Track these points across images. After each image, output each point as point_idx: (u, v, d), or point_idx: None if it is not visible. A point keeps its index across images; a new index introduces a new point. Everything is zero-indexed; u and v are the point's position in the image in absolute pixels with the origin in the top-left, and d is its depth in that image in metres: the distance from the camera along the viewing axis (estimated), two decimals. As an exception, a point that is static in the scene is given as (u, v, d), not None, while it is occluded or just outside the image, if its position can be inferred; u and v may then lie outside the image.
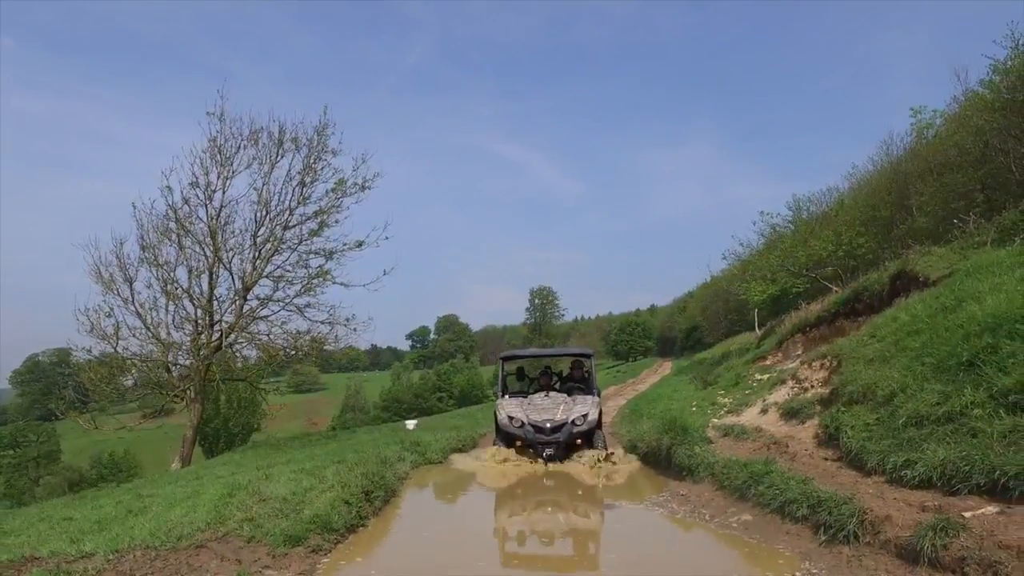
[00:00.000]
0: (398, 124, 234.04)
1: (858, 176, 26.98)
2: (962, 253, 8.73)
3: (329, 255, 15.79)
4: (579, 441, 9.12)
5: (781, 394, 9.22)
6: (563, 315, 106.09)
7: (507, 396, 10.38)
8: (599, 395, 10.72)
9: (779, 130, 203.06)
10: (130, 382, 16.17)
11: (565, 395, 9.93)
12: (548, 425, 9.01)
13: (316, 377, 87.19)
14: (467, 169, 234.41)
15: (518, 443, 9.21)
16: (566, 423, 9.03)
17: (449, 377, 74.03)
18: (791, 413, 7.85)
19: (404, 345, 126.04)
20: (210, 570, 3.78)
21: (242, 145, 14.82)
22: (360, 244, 15.49)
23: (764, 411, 8.96)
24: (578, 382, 10.74)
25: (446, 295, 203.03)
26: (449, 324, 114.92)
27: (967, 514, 3.62)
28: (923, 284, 8.42)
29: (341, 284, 15.47)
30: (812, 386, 8.19)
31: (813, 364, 8.89)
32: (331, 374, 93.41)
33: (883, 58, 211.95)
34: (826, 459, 5.83)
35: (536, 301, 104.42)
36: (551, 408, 9.35)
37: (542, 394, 10.00)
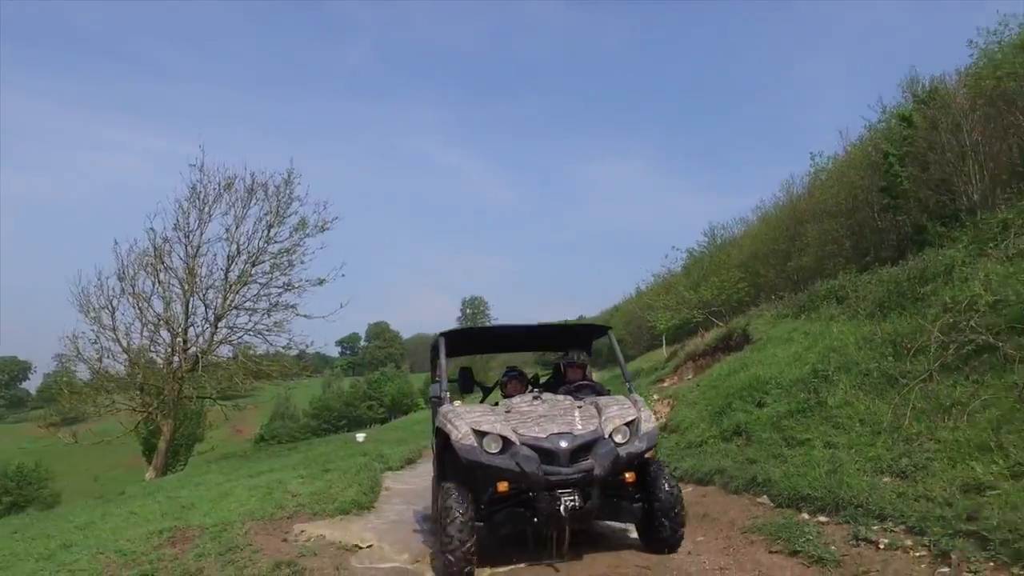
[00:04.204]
0: (333, 126, 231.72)
1: (764, 210, 31.04)
2: (773, 322, 12.39)
3: (290, 287, 18.20)
4: (629, 478, 4.74)
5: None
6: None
7: (458, 402, 5.47)
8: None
9: (714, 148, 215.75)
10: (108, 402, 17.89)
11: (569, 396, 5.27)
12: (564, 444, 4.44)
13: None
14: (402, 174, 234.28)
15: (497, 492, 4.48)
16: (601, 438, 4.55)
17: (380, 385, 75.42)
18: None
19: (334, 351, 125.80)
20: (306, 529, 6.48)
21: (219, 193, 17.07)
22: (321, 281, 18.01)
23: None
24: (578, 389, 5.71)
25: (377, 301, 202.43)
26: (380, 331, 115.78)
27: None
28: (751, 340, 12.02)
29: (304, 316, 17.90)
30: (659, 417, 11.57)
31: (662, 400, 12.25)
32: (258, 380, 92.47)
33: (809, 84, 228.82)
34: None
35: (467, 310, 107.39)
36: (560, 414, 4.77)
37: (527, 396, 5.21)
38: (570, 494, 4.31)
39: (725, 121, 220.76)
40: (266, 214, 17.56)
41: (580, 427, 4.59)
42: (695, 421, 8.83)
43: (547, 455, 4.38)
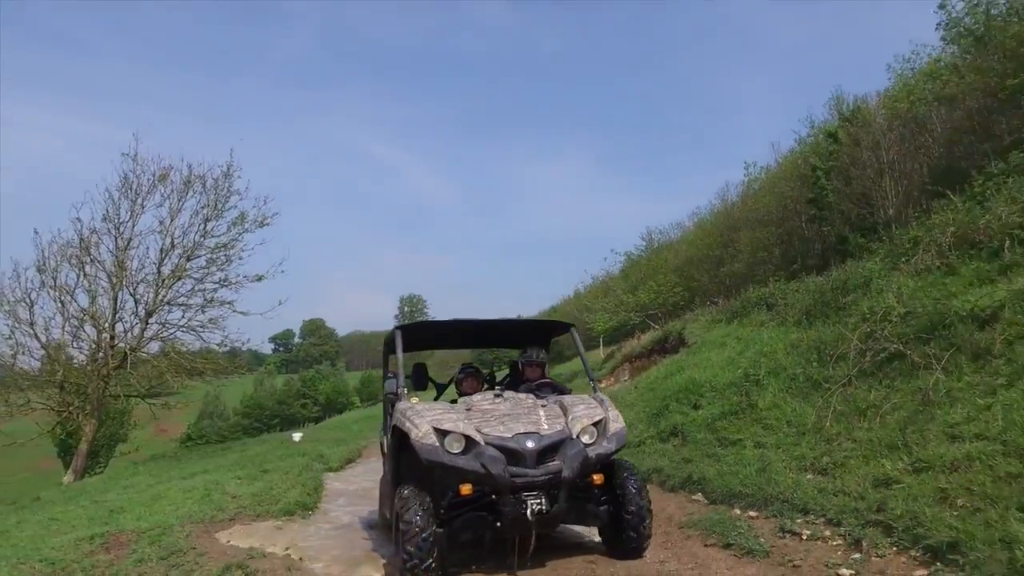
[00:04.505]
0: (269, 115, 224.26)
1: (700, 217, 32.14)
2: (707, 327, 13.01)
3: (226, 283, 17.63)
4: (597, 480, 4.60)
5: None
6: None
7: (415, 399, 5.06)
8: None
9: (651, 152, 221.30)
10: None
11: (531, 395, 5.12)
12: (531, 445, 4.27)
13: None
14: (340, 168, 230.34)
15: (458, 495, 4.27)
16: (568, 439, 4.40)
17: (315, 384, 73.77)
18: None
19: (266, 348, 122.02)
20: (247, 529, 6.37)
21: (154, 184, 16.36)
22: (260, 278, 17.50)
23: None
24: (538, 387, 5.54)
25: (312, 298, 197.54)
26: (315, 328, 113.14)
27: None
28: (687, 344, 12.57)
29: (241, 313, 17.38)
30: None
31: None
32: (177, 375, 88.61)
33: (740, 94, 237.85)
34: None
35: (406, 308, 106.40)
36: (524, 413, 4.62)
37: (488, 394, 5.09)
38: (536, 497, 4.13)
39: (663, 127, 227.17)
40: (203, 207, 16.94)
41: (546, 427, 4.43)
42: (633, 422, 9.17)
43: (512, 456, 4.19)
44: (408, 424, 4.43)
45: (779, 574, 4.01)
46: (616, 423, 4.68)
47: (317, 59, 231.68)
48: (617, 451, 4.59)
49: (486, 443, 4.23)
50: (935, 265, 7.51)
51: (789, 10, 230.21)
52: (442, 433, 4.26)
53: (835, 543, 4.20)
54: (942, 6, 13.94)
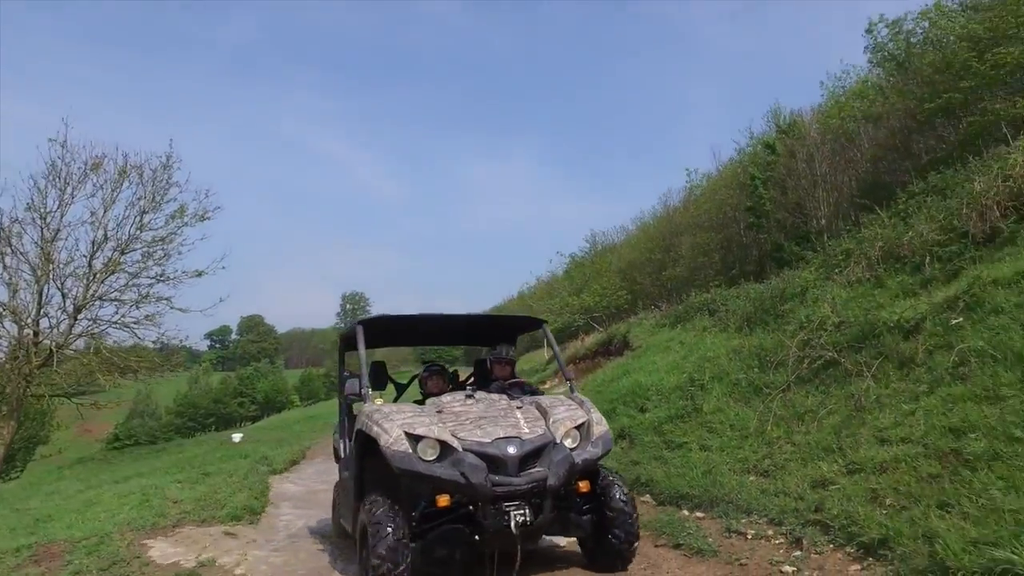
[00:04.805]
0: (209, 105, 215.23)
1: (643, 221, 32.81)
2: (652, 331, 13.42)
3: (164, 278, 16.93)
4: (582, 488, 4.32)
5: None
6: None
7: (379, 400, 4.66)
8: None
9: (597, 155, 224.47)
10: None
11: (504, 396, 4.81)
12: (512, 450, 3.97)
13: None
14: (281, 161, 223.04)
15: (433, 506, 3.96)
16: (552, 443, 4.13)
17: (253, 382, 71.50)
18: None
19: (202, 345, 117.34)
20: (193, 536, 6.16)
21: (85, 173, 15.52)
22: (200, 273, 16.88)
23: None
24: (509, 388, 5.26)
25: (250, 293, 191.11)
26: (253, 324, 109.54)
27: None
28: (632, 347, 12.91)
29: (180, 310, 16.71)
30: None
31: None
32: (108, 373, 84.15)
33: (686, 102, 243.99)
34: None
35: (348, 306, 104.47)
36: (501, 415, 4.31)
37: (458, 395, 4.73)
38: (519, 507, 3.83)
39: (610, 131, 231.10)
40: (140, 199, 16.17)
41: (527, 431, 4.10)
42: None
43: (492, 463, 3.85)
44: (376, 429, 4.05)
45: (727, 572, 4.24)
46: (600, 426, 4.42)
47: (261, 49, 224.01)
48: (603, 456, 4.32)
49: (464, 449, 3.89)
50: (865, 277, 8.03)
51: (734, 23, 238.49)
52: (415, 438, 3.91)
53: (777, 542, 4.47)
54: (869, 31, 14.91)
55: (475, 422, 4.16)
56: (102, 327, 16.50)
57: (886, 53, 14.74)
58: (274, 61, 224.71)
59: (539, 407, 4.49)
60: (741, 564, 4.28)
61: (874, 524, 3.99)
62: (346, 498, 5.14)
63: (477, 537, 3.91)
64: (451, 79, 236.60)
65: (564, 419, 4.31)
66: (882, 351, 6.17)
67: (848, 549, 4.04)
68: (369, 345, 5.17)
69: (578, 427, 4.30)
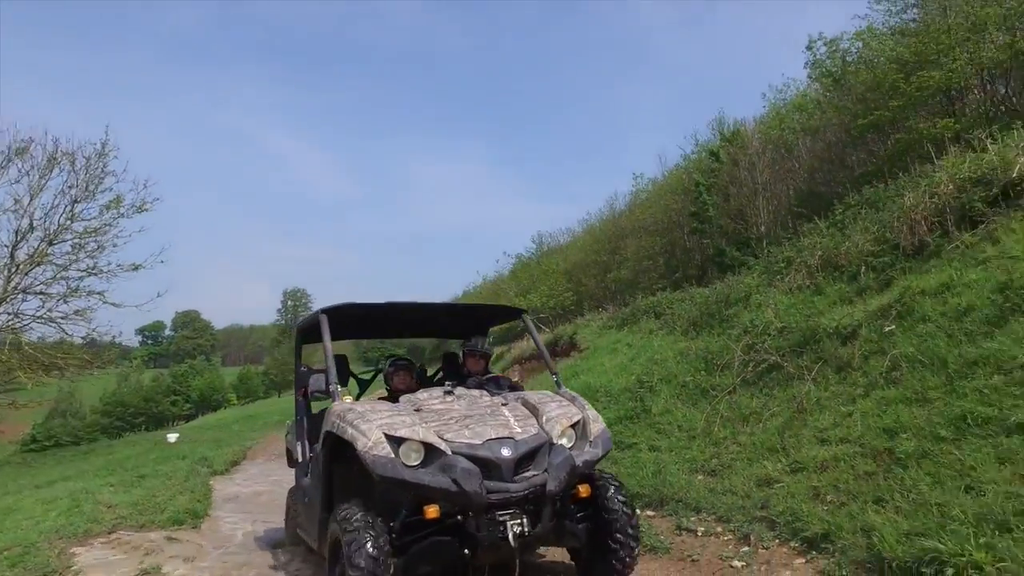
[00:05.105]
0: (148, 92, 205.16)
1: (589, 223, 33.13)
2: (599, 332, 13.68)
3: (96, 271, 16.11)
4: (583, 492, 3.97)
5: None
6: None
7: (348, 398, 4.42)
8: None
9: (545, 157, 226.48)
10: None
11: (486, 392, 4.46)
12: (507, 453, 3.62)
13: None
14: (220, 153, 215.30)
15: (419, 517, 3.54)
16: (549, 444, 3.81)
17: (187, 379, 68.78)
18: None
19: (133, 341, 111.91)
20: (132, 541, 5.89)
21: (9, 158, 14.60)
22: (137, 267, 16.14)
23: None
24: (487, 383, 4.89)
25: (186, 288, 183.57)
26: (189, 320, 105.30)
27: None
28: (579, 348, 13.12)
29: (113, 305, 15.94)
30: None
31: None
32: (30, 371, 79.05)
33: (634, 107, 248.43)
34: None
35: (289, 303, 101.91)
36: (488, 414, 3.94)
37: (436, 391, 4.31)
38: (515, 516, 3.45)
39: (558, 133, 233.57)
40: (71, 187, 15.34)
41: (519, 431, 3.72)
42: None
43: (485, 467, 3.46)
44: (351, 431, 3.59)
45: (680, 568, 4.40)
46: (597, 423, 4.06)
47: (206, 36, 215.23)
48: (604, 456, 3.98)
49: (453, 452, 3.49)
50: (805, 284, 8.42)
51: (684, 31, 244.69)
52: (397, 441, 3.48)
53: (726, 538, 4.66)
54: (809, 47, 15.64)
55: (460, 422, 3.76)
56: (24, 322, 15.57)
57: (824, 69, 15.48)
58: (219, 50, 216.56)
59: (527, 404, 4.14)
60: (693, 560, 4.45)
61: (816, 519, 4.22)
62: (307, 508, 4.70)
63: (468, 550, 3.50)
64: (401, 76, 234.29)
65: (558, 417, 3.95)
66: (822, 356, 6.50)
67: (793, 544, 4.25)
68: (335, 337, 4.57)
69: (573, 425, 3.97)
